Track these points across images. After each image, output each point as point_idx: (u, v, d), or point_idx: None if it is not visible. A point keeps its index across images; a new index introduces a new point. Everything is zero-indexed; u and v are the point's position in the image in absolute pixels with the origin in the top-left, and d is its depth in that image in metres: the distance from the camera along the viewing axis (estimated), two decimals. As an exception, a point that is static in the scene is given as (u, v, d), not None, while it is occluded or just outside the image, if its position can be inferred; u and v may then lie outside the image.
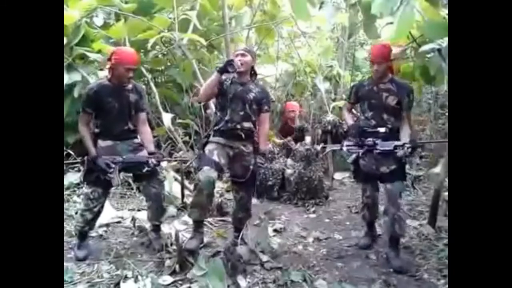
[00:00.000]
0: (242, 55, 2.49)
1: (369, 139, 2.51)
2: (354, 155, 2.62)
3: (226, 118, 2.49)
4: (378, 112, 2.54)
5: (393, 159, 2.45)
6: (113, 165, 2.40)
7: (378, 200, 2.79)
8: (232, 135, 2.50)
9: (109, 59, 2.46)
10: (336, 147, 2.93)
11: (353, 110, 2.93)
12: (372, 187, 2.73)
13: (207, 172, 2.35)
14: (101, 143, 2.48)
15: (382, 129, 2.51)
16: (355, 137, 2.58)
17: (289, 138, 4.62)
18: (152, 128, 4.32)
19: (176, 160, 3.81)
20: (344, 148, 2.64)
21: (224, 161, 2.47)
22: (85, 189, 2.53)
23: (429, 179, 4.20)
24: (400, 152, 2.39)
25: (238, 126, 2.49)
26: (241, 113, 2.49)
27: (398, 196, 2.47)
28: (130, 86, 2.55)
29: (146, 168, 2.51)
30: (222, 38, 4.25)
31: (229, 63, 2.38)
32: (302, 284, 2.24)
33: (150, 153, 2.57)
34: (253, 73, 2.59)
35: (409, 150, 2.39)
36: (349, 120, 2.77)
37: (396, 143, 2.44)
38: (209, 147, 2.50)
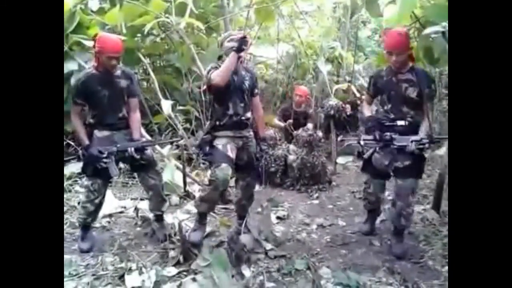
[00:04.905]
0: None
1: (386, 133, 2.36)
2: (370, 150, 2.50)
3: (229, 112, 2.41)
4: (398, 104, 2.38)
5: (410, 154, 2.31)
6: (105, 152, 2.36)
7: (381, 200, 2.71)
8: (239, 126, 2.45)
9: (94, 46, 2.40)
10: (353, 141, 2.81)
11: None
12: (377, 185, 2.62)
13: (226, 170, 2.32)
14: (98, 133, 2.44)
15: (400, 122, 2.37)
16: (372, 130, 2.42)
17: (289, 121, 4.56)
18: (153, 115, 4.34)
19: (167, 142, 3.69)
20: (362, 142, 2.49)
21: (234, 154, 2.43)
22: (85, 181, 2.52)
23: (433, 161, 4.15)
24: (409, 147, 2.26)
25: (243, 118, 2.44)
26: (242, 104, 2.43)
27: (409, 193, 2.36)
28: (118, 72, 2.47)
29: (136, 154, 2.43)
30: (221, 20, 4.13)
31: (244, 40, 2.24)
32: (306, 272, 2.24)
33: (134, 140, 2.49)
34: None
35: (423, 145, 2.27)
36: (366, 111, 2.59)
37: (413, 138, 2.29)
38: (221, 141, 2.40)
